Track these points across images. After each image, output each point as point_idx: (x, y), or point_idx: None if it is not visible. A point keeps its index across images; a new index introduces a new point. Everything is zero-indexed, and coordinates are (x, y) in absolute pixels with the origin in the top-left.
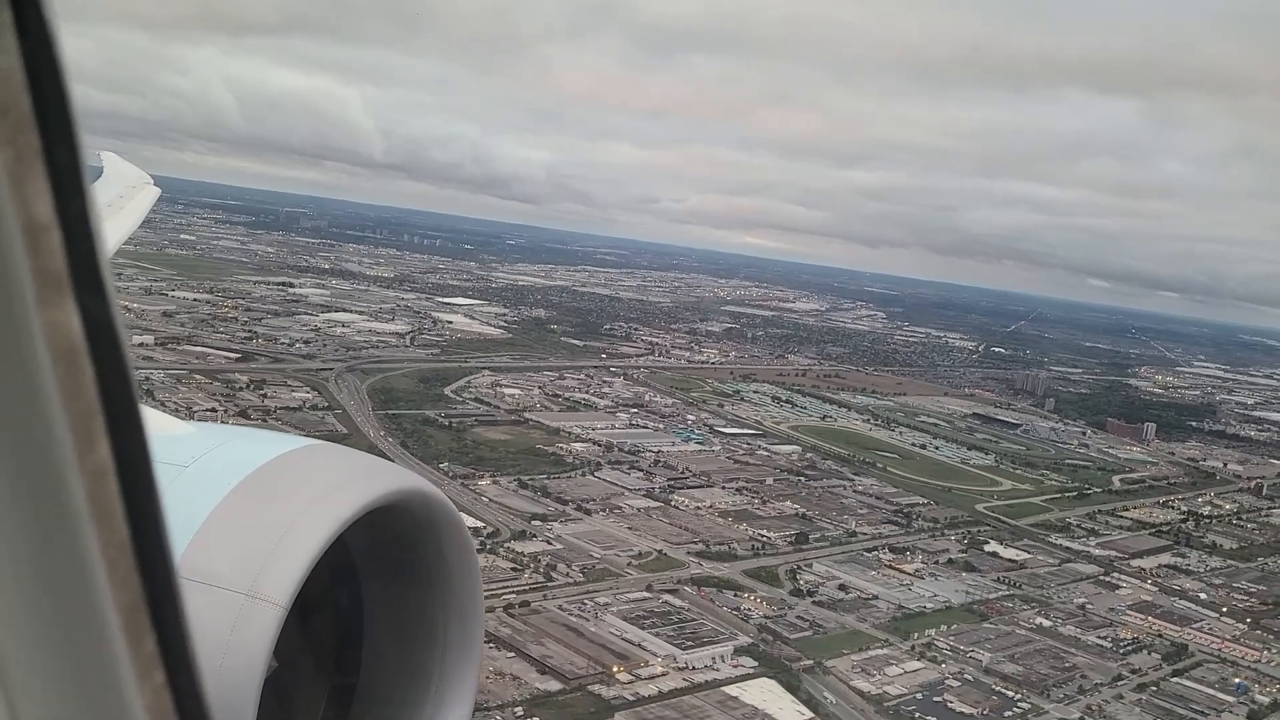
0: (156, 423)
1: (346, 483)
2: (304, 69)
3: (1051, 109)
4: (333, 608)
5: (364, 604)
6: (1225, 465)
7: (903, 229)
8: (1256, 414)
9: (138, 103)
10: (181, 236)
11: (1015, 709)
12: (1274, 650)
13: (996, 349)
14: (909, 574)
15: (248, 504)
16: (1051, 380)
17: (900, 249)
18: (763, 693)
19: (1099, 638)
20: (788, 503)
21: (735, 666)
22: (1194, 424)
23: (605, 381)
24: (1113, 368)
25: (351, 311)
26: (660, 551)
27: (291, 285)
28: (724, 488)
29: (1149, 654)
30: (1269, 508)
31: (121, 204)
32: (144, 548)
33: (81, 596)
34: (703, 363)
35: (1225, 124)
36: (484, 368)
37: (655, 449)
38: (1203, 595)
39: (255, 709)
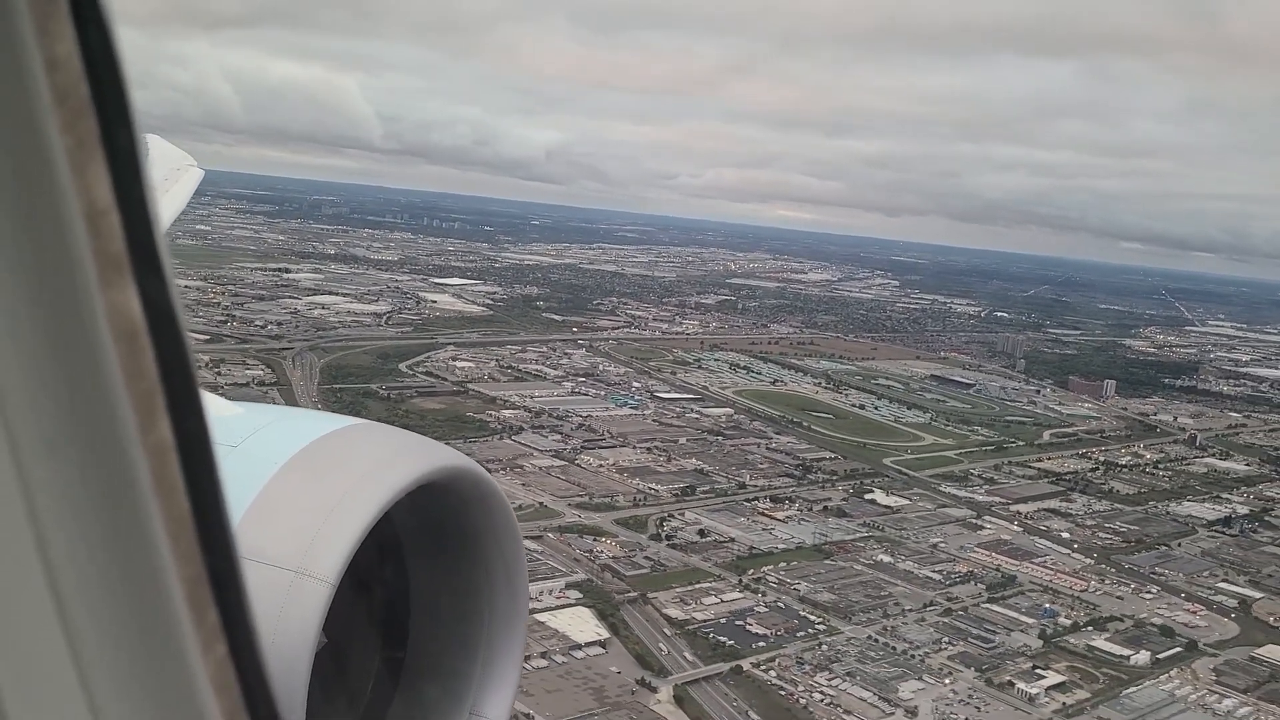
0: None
1: (393, 460)
2: (292, 59)
3: (997, 74)
4: (381, 583)
5: (411, 579)
6: (1175, 419)
7: (918, 196)
8: (1244, 370)
9: (142, 95)
10: (197, 227)
11: (809, 630)
12: (1105, 581)
13: (1000, 313)
14: (777, 520)
15: (296, 482)
16: (1042, 342)
17: (920, 217)
18: (572, 619)
19: (933, 571)
20: (693, 460)
21: (559, 598)
22: (1168, 381)
23: (567, 354)
24: (1117, 329)
25: (337, 294)
26: (541, 504)
27: (288, 270)
28: (635, 447)
29: (975, 585)
30: (1194, 457)
31: (167, 186)
32: (205, 522)
33: (147, 569)
34: (679, 334)
35: (1161, 82)
36: (450, 344)
37: (585, 414)
38: (1065, 535)
39: (306, 684)
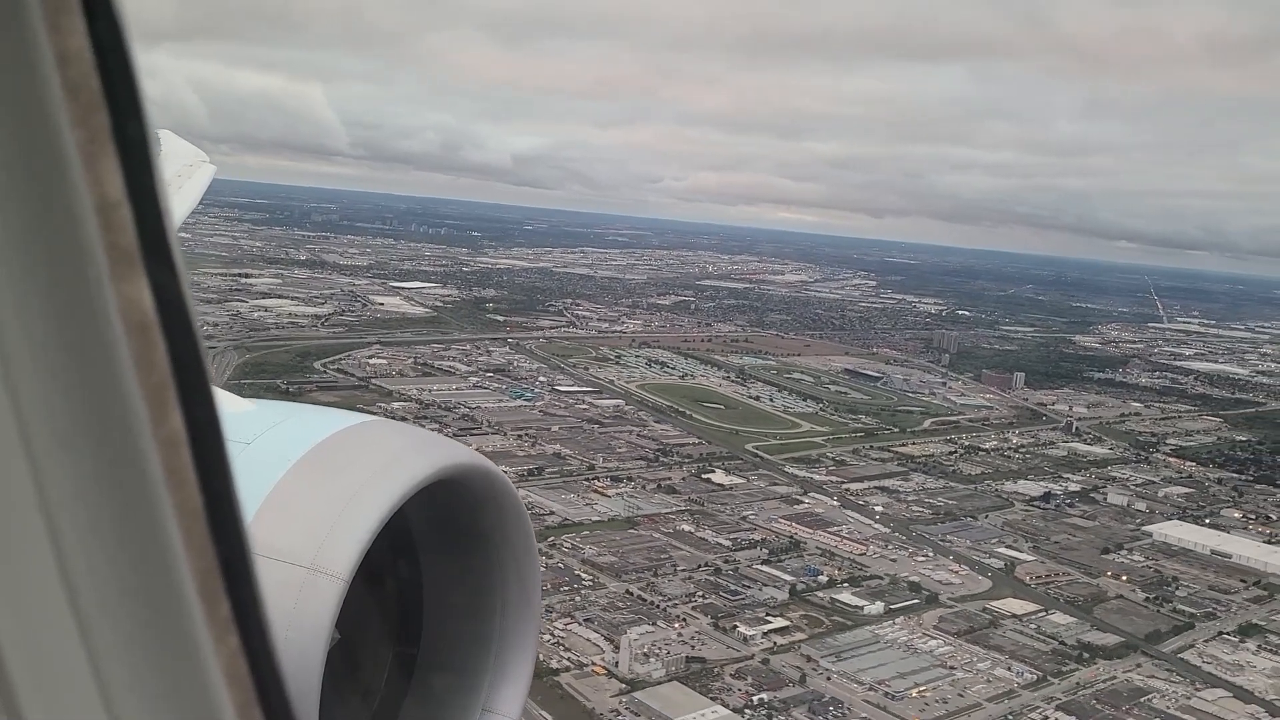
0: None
1: (405, 457)
2: (246, 70)
3: (896, 79)
4: (394, 579)
5: (424, 575)
6: (1071, 408)
7: (897, 197)
8: (1179, 364)
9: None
10: (178, 234)
11: (574, 585)
12: (888, 546)
13: (963, 311)
14: (605, 496)
15: (309, 479)
16: (989, 338)
17: (904, 217)
18: None
19: (726, 540)
20: (556, 445)
21: None
22: (1090, 373)
23: (489, 351)
24: (1076, 325)
25: (286, 298)
26: None
27: (248, 275)
28: (507, 435)
29: (760, 550)
30: (1062, 442)
31: (180, 182)
32: (216, 515)
33: (159, 561)
34: (616, 333)
35: (1047, 83)
36: (377, 343)
37: (474, 406)
38: (878, 509)
39: (320, 680)
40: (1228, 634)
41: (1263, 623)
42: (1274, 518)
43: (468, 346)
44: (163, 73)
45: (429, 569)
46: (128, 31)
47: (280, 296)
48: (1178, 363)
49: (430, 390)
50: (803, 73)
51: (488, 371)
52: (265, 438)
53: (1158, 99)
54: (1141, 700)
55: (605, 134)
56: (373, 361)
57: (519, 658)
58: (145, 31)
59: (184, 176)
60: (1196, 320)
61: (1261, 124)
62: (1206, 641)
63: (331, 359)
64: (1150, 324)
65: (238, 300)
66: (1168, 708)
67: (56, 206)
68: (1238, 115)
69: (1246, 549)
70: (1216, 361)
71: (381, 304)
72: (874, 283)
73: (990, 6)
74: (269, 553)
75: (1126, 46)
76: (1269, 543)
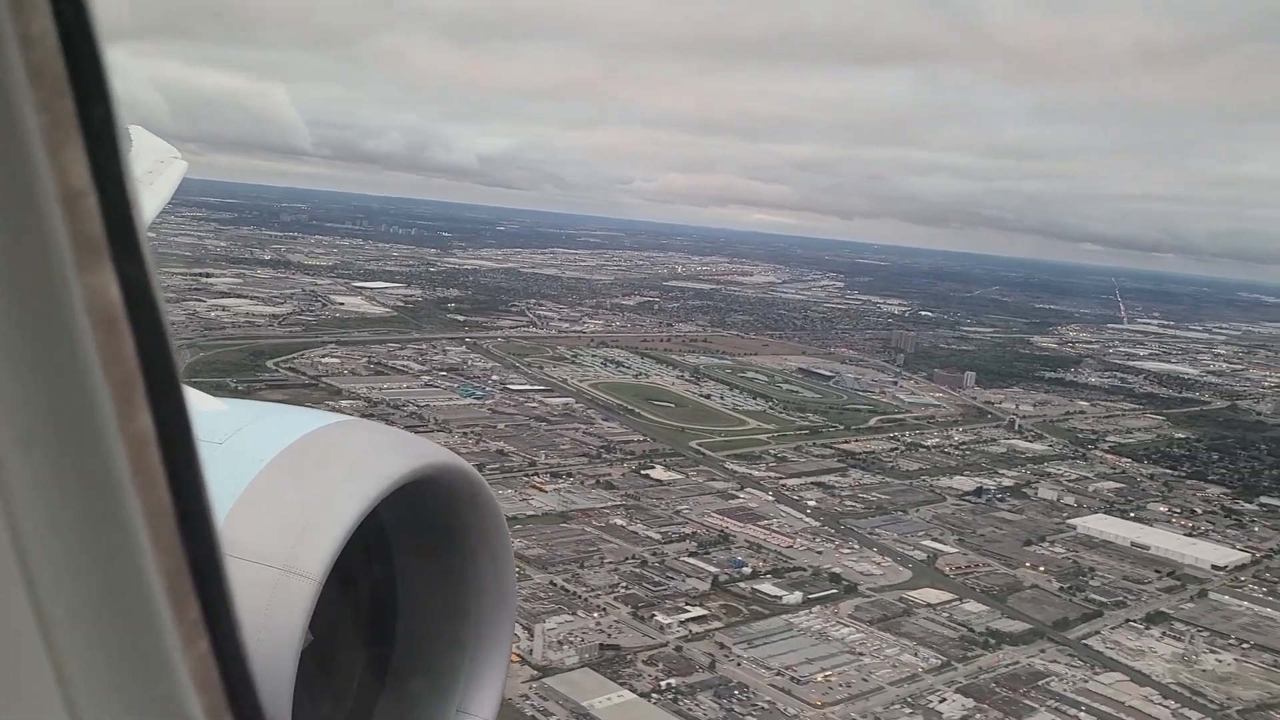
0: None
1: (380, 457)
2: (209, 70)
3: (856, 83)
4: (368, 580)
5: (399, 575)
6: (1018, 406)
7: (866, 199)
8: (1131, 364)
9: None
10: (147, 226)
11: None
12: (816, 539)
13: (925, 312)
14: (543, 491)
15: (283, 479)
16: (948, 339)
17: (874, 220)
18: None
19: (658, 533)
20: (500, 442)
21: None
22: (1042, 373)
23: (445, 350)
24: (1036, 326)
25: (245, 297)
26: None
27: (209, 275)
28: (452, 432)
29: (688, 543)
30: (1003, 439)
31: (152, 178)
32: (186, 515)
33: (126, 562)
34: (576, 332)
35: (1003, 90)
36: (333, 342)
37: (423, 404)
38: (811, 504)
39: (292, 683)
40: (1134, 621)
41: (1170, 611)
42: (1199, 511)
43: (424, 346)
44: (124, 70)
45: (404, 569)
46: (94, 15)
47: (239, 296)
48: (1131, 363)
49: (380, 389)
50: (767, 76)
51: (441, 370)
52: (237, 437)
53: (1110, 105)
54: (1039, 684)
55: (574, 135)
56: (325, 360)
57: (494, 658)
58: (106, 29)
59: (155, 173)
60: (1156, 322)
61: (1207, 128)
62: (1113, 629)
63: (284, 358)
64: (1110, 325)
65: (195, 300)
66: (1064, 690)
67: (19, 194)
68: (1184, 121)
69: (1166, 541)
70: (1169, 362)
71: (342, 304)
72: (841, 284)
73: (945, 15)
74: (241, 554)
75: (1077, 54)
76: (1189, 535)
